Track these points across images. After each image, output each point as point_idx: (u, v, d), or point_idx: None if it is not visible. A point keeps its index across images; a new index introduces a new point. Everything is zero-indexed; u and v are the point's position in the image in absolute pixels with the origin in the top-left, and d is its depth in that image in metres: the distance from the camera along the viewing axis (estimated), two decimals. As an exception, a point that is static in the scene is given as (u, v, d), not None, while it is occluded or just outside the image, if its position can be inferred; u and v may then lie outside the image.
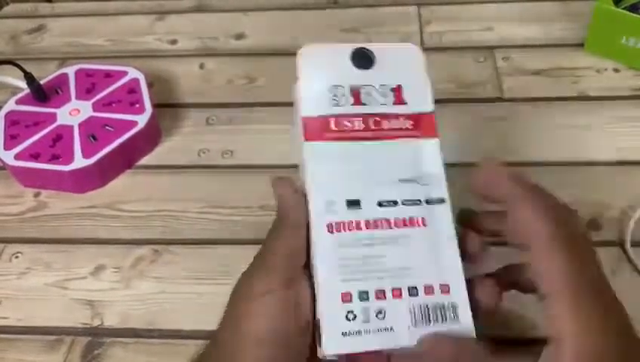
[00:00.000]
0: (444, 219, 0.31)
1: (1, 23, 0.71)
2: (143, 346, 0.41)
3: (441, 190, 0.31)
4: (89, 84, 0.56)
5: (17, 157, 0.50)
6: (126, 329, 0.42)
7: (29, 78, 0.54)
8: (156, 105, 0.55)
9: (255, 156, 0.53)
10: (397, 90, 0.32)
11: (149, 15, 0.69)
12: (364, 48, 0.33)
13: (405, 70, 0.33)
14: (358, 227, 0.29)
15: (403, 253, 0.30)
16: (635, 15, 0.53)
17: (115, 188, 0.51)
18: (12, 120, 0.54)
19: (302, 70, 0.32)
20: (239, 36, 0.65)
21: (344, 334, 0.27)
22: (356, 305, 0.28)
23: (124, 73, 0.57)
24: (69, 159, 0.50)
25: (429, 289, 0.29)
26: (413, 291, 0.29)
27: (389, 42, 0.35)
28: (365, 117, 0.31)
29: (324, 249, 0.29)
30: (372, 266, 0.29)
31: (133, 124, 0.52)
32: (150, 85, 0.57)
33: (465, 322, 0.29)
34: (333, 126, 0.31)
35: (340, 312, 0.28)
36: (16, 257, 0.47)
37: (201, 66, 0.62)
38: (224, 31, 0.66)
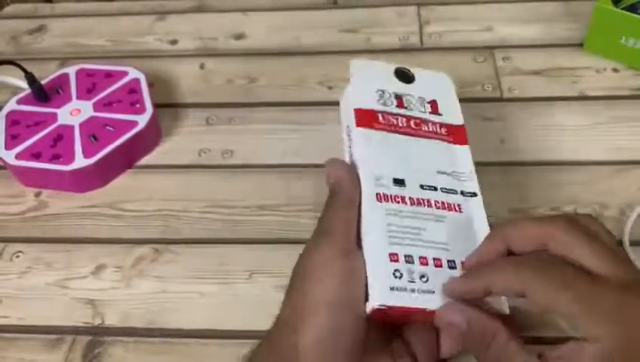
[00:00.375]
0: (477, 209, 0.34)
1: (1, 23, 0.71)
2: (144, 345, 0.41)
3: (474, 185, 0.35)
4: (90, 84, 0.57)
5: (18, 156, 0.51)
6: (127, 329, 0.42)
7: (30, 78, 0.55)
8: (157, 105, 0.55)
9: (255, 156, 0.53)
10: (433, 104, 0.37)
11: (149, 15, 0.70)
12: (405, 68, 0.37)
13: (439, 90, 0.38)
14: (403, 201, 0.32)
15: (442, 230, 0.32)
16: (634, 15, 0.53)
17: (116, 188, 0.52)
18: (13, 120, 0.54)
19: (353, 74, 0.36)
20: (239, 36, 0.66)
21: (392, 289, 0.29)
22: (402, 266, 0.30)
23: (125, 73, 0.57)
24: (70, 159, 0.50)
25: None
26: (451, 264, 0.31)
27: (420, 67, 0.39)
28: (407, 117, 0.35)
29: (373, 214, 0.31)
30: (415, 236, 0.31)
31: (134, 123, 0.52)
32: (150, 85, 0.57)
33: (497, 299, 0.30)
34: (380, 119, 0.34)
35: (388, 269, 0.29)
36: (17, 256, 0.47)
37: (202, 66, 0.62)
38: (224, 31, 0.66)
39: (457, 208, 0.33)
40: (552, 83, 0.56)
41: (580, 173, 0.48)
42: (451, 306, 0.29)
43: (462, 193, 0.34)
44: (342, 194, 0.32)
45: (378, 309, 0.28)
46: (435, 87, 0.38)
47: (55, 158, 0.50)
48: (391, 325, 0.30)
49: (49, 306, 0.44)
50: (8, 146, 0.51)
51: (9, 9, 0.74)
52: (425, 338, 0.31)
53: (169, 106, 0.58)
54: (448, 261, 0.31)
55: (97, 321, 0.43)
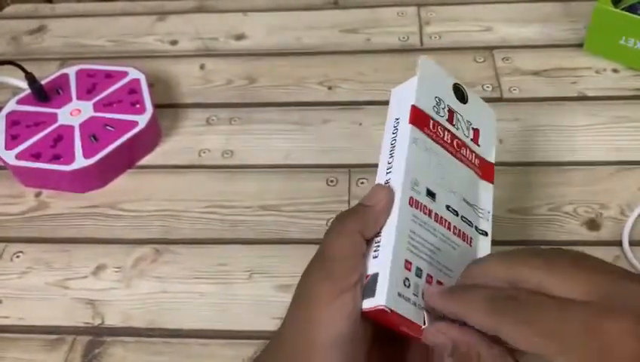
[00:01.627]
0: (484, 250, 0.34)
1: (1, 23, 0.71)
2: (144, 345, 0.41)
3: (488, 226, 0.35)
4: (90, 85, 0.57)
5: (18, 157, 0.51)
6: (127, 329, 0.42)
7: (30, 79, 0.55)
8: (157, 106, 0.55)
9: (255, 156, 0.53)
10: (476, 132, 0.37)
11: (149, 15, 0.70)
12: (463, 86, 0.37)
13: (483, 122, 0.38)
14: (430, 215, 0.32)
15: (452, 256, 0.32)
16: (634, 16, 0.53)
17: (116, 188, 0.52)
18: (13, 120, 0.54)
19: (421, 70, 0.35)
20: (239, 36, 0.66)
21: (399, 294, 0.28)
22: (412, 276, 0.29)
23: (125, 73, 0.57)
24: (70, 159, 0.50)
25: None
26: None
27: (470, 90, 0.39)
28: (452, 135, 0.35)
29: (402, 217, 0.30)
30: (430, 252, 0.31)
31: (134, 124, 0.52)
32: (151, 85, 0.57)
33: None
34: (431, 126, 0.34)
35: (401, 275, 0.29)
36: (17, 257, 0.47)
37: (202, 67, 0.62)
38: (224, 31, 0.66)
39: (469, 241, 0.33)
40: (551, 83, 0.56)
41: (580, 173, 0.49)
42: (435, 326, 0.28)
43: (476, 228, 0.34)
44: (368, 222, 0.30)
45: (380, 310, 0.28)
46: (482, 117, 0.38)
47: (55, 158, 0.50)
48: (380, 326, 0.30)
49: (49, 306, 0.44)
50: (8, 146, 0.51)
51: (9, 9, 0.74)
52: (423, 353, 0.31)
53: (169, 106, 0.58)
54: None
55: (97, 321, 0.43)
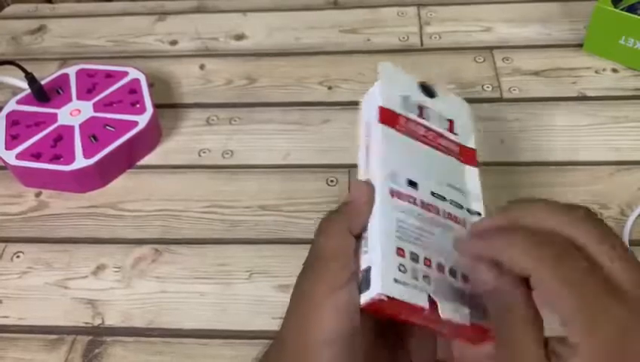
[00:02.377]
0: None
1: (2, 23, 0.71)
2: (144, 345, 0.41)
3: (479, 206, 0.35)
4: (90, 85, 0.57)
5: (18, 157, 0.51)
6: (127, 329, 0.42)
7: (30, 79, 0.55)
8: (157, 106, 0.55)
9: (255, 156, 0.53)
10: (450, 122, 0.37)
11: (149, 16, 0.70)
12: (429, 83, 0.38)
13: (457, 112, 0.38)
14: (415, 203, 0.32)
15: (448, 239, 0.31)
16: (634, 16, 0.54)
17: (116, 188, 0.52)
18: (13, 120, 0.54)
19: (381, 75, 0.36)
20: (239, 37, 0.66)
21: (395, 281, 0.28)
22: (407, 262, 0.29)
23: (125, 73, 0.57)
24: (70, 159, 0.50)
25: (465, 278, 0.31)
26: (453, 273, 0.31)
27: (443, 86, 0.40)
28: (426, 128, 0.36)
29: (384, 207, 0.31)
30: (422, 237, 0.31)
31: (134, 124, 0.52)
32: (151, 85, 0.57)
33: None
34: (402, 122, 0.34)
35: (394, 263, 0.29)
36: (18, 257, 0.47)
37: (202, 67, 0.62)
38: (224, 31, 0.66)
39: (462, 223, 0.33)
40: (551, 83, 0.56)
41: (580, 173, 0.49)
42: (483, 264, 0.27)
43: (468, 210, 0.34)
44: (352, 218, 0.30)
45: (378, 300, 0.28)
46: (454, 109, 0.38)
47: (55, 159, 0.50)
48: (382, 319, 0.30)
49: (49, 306, 0.44)
50: (8, 147, 0.51)
51: (9, 9, 0.74)
52: (427, 347, 0.31)
53: (169, 106, 0.58)
54: (450, 269, 0.31)
55: (97, 321, 0.43)
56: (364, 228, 0.31)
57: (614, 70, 0.57)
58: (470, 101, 0.55)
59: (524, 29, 0.62)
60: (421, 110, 0.36)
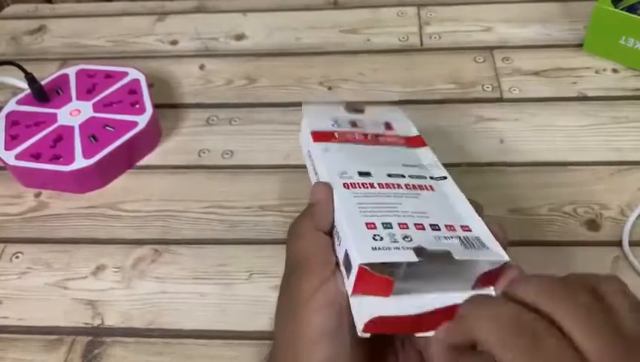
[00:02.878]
0: (450, 188, 0.34)
1: (1, 23, 0.71)
2: (144, 346, 0.41)
3: (443, 172, 0.35)
4: (90, 85, 0.57)
5: (18, 157, 0.51)
6: (126, 329, 0.42)
7: (30, 79, 0.55)
8: (157, 106, 0.55)
9: (255, 156, 0.53)
10: (387, 124, 0.39)
11: (149, 16, 0.70)
12: (353, 102, 0.40)
13: (391, 116, 0.40)
14: (372, 186, 0.32)
15: (418, 203, 0.32)
16: (634, 16, 0.53)
17: (116, 189, 0.52)
18: (13, 120, 0.54)
19: (305, 112, 0.38)
20: (239, 37, 0.66)
21: (374, 248, 0.28)
22: (381, 231, 0.29)
23: (125, 74, 0.57)
24: (70, 159, 0.50)
25: (450, 227, 0.30)
26: (435, 227, 0.30)
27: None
28: (364, 133, 0.37)
29: (342, 199, 0.31)
30: (390, 208, 0.31)
31: (134, 124, 0.52)
32: (151, 86, 0.57)
33: (494, 248, 0.29)
34: (337, 135, 0.36)
35: (367, 235, 0.28)
36: (17, 257, 0.47)
37: (202, 67, 0.62)
38: (224, 31, 0.66)
39: (429, 188, 0.33)
40: (551, 83, 0.56)
41: (580, 174, 0.48)
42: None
43: (431, 178, 0.34)
44: (318, 217, 0.32)
45: (361, 272, 0.27)
46: (387, 114, 0.40)
47: (55, 159, 0.50)
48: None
49: (49, 307, 0.44)
50: (8, 147, 0.51)
51: (9, 9, 0.74)
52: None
53: (169, 107, 0.58)
54: (431, 225, 0.30)
55: (97, 322, 0.43)
56: (333, 225, 0.31)
57: (614, 70, 0.57)
58: (470, 101, 0.55)
59: (524, 29, 0.62)
60: (354, 123, 0.38)
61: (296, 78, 0.60)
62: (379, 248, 0.27)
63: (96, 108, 0.54)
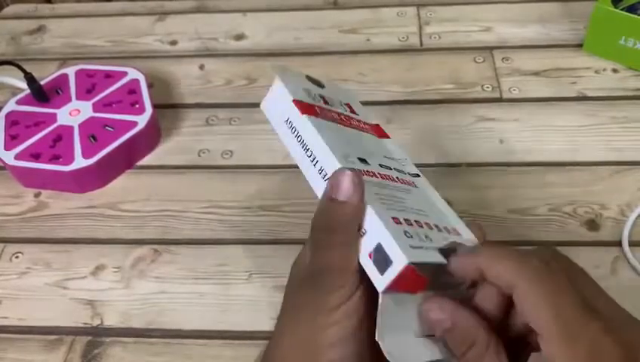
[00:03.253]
0: (427, 187, 0.34)
1: (1, 23, 0.71)
2: (143, 346, 0.41)
3: (414, 169, 0.35)
4: (89, 85, 0.57)
5: (18, 157, 0.51)
6: (126, 329, 0.42)
7: (30, 79, 0.55)
8: (156, 106, 0.55)
9: (255, 156, 0.53)
10: (348, 105, 0.38)
11: (149, 16, 0.70)
12: (311, 76, 0.38)
13: (348, 96, 0.39)
14: (375, 175, 0.31)
15: (414, 200, 0.31)
16: (634, 16, 0.53)
17: (115, 189, 0.51)
18: (12, 120, 0.54)
19: (279, 74, 0.36)
20: (239, 37, 0.66)
21: (412, 247, 0.27)
22: (407, 227, 0.28)
23: (125, 74, 0.57)
24: (70, 159, 0.50)
25: (446, 229, 0.31)
26: (437, 227, 0.30)
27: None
28: (337, 112, 0.35)
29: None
30: (400, 203, 0.30)
31: (134, 124, 0.52)
32: (150, 86, 0.57)
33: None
34: (318, 110, 0.34)
35: (399, 231, 0.27)
36: (17, 257, 0.47)
37: (201, 67, 0.62)
38: (224, 31, 0.66)
39: (412, 184, 0.33)
40: (551, 83, 0.56)
41: (580, 174, 0.48)
42: (434, 301, 0.27)
43: (409, 174, 0.35)
44: (351, 220, 0.28)
45: (406, 271, 0.26)
46: (343, 94, 0.39)
47: (55, 159, 0.50)
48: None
49: (48, 307, 0.44)
50: (8, 147, 0.51)
51: (9, 9, 0.74)
52: None
53: (169, 107, 0.58)
54: (434, 225, 0.30)
55: (97, 322, 0.43)
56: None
57: (614, 70, 0.57)
58: (470, 101, 0.55)
59: (523, 29, 0.62)
60: (323, 98, 0.36)
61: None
62: (416, 247, 0.27)
63: (96, 108, 0.54)
